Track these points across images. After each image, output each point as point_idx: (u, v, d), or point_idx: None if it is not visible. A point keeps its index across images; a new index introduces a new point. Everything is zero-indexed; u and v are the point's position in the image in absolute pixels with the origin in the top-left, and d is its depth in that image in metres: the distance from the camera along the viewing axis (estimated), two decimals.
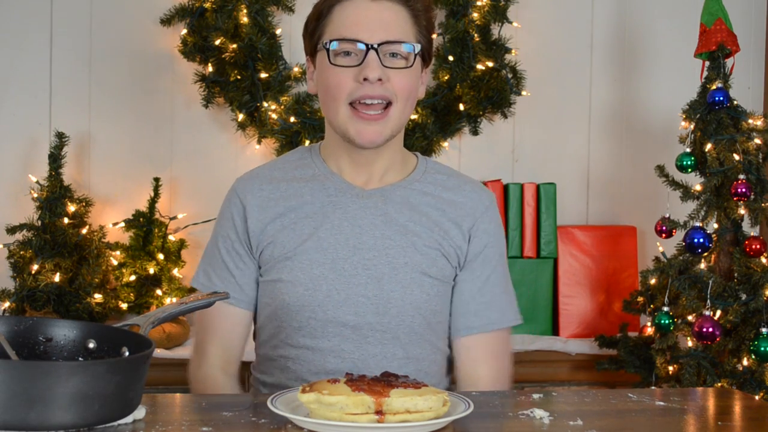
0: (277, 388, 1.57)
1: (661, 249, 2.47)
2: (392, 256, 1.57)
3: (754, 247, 2.29)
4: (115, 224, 2.66)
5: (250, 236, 1.61)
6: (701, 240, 2.28)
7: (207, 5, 2.61)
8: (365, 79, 1.50)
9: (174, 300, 2.54)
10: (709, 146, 2.32)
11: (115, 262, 2.60)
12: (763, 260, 2.30)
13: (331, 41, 1.53)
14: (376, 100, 1.52)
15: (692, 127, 2.37)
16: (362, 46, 1.51)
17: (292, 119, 2.61)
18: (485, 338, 1.63)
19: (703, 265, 2.33)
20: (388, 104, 1.53)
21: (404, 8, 1.56)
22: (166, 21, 2.67)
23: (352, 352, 1.55)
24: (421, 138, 2.62)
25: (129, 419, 1.15)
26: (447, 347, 1.66)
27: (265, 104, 2.62)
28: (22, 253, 2.46)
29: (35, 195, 2.50)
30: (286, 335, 1.58)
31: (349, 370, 1.54)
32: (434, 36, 1.65)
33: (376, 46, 1.51)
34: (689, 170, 2.35)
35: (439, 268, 1.59)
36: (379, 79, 1.50)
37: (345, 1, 1.55)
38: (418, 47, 1.55)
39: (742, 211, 2.30)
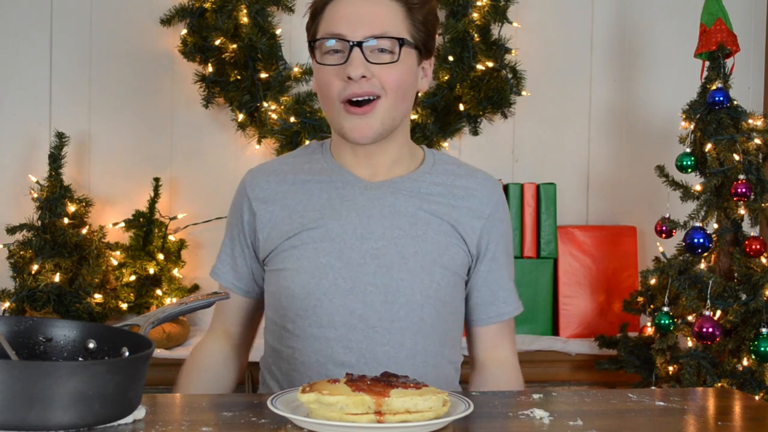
0: (285, 381, 1.58)
1: (661, 249, 2.47)
2: (402, 245, 1.56)
3: (754, 247, 2.29)
4: (115, 224, 2.66)
5: (257, 228, 1.63)
6: (701, 240, 2.27)
7: (207, 5, 2.61)
8: (349, 78, 1.51)
9: (174, 300, 2.54)
10: (709, 146, 2.31)
11: (115, 262, 2.60)
12: (763, 260, 2.30)
13: (316, 41, 1.55)
14: (363, 97, 1.52)
15: (692, 127, 2.37)
16: (348, 44, 1.52)
17: (292, 119, 2.61)
18: (506, 324, 1.69)
19: (703, 265, 2.33)
20: (377, 98, 1.53)
21: (396, 2, 1.55)
22: (166, 21, 2.67)
23: (359, 342, 1.54)
24: (421, 138, 2.62)
25: (129, 419, 1.15)
26: (457, 344, 1.66)
27: (265, 104, 2.61)
28: (22, 253, 2.46)
29: (35, 195, 2.50)
30: (293, 324, 1.58)
31: (357, 360, 1.54)
32: (438, 29, 1.63)
33: (356, 42, 1.51)
34: (689, 170, 2.35)
35: (451, 256, 1.59)
36: (363, 76, 1.51)
37: None
38: (405, 40, 1.54)
39: (742, 211, 2.30)
